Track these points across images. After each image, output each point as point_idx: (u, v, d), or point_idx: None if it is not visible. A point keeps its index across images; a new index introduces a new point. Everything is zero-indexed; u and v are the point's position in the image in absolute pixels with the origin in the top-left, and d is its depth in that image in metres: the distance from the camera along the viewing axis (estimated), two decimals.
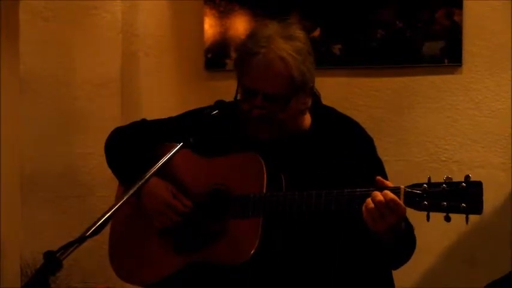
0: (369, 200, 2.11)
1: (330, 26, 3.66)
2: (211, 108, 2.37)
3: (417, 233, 2.32)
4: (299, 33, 2.35)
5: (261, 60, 2.28)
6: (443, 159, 3.57)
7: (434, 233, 3.45)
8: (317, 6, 3.67)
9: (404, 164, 3.59)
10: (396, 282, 2.46)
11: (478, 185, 2.06)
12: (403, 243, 2.24)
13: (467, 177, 2.07)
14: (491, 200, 3.48)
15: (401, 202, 2.09)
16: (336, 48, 3.66)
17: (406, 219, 2.23)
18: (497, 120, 3.54)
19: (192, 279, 2.37)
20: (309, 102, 2.39)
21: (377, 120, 3.62)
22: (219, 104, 2.37)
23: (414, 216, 2.27)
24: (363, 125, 2.49)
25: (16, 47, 3.71)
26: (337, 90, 3.64)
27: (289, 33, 2.33)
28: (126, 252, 2.51)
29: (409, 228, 2.28)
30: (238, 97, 2.37)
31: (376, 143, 2.51)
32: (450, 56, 3.56)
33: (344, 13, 3.65)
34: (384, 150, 3.47)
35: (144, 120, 2.63)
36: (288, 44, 2.30)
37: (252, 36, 2.36)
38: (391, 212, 2.09)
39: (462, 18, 3.54)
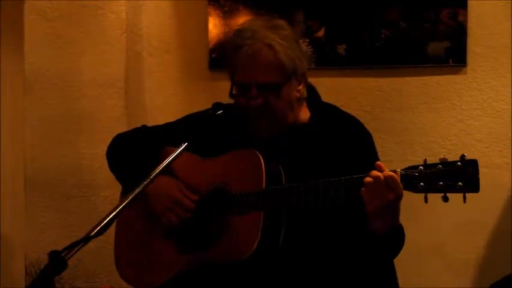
0: (367, 177, 2.11)
1: (335, 26, 3.66)
2: (211, 110, 2.38)
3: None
4: (282, 23, 2.39)
5: (248, 51, 2.31)
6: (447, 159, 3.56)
7: (436, 233, 3.45)
8: (322, 6, 3.67)
9: (408, 164, 3.56)
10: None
11: (474, 163, 2.03)
12: (394, 239, 2.23)
13: (462, 156, 2.05)
14: (495, 199, 3.48)
15: (399, 180, 2.08)
16: (341, 48, 3.66)
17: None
18: (502, 121, 3.54)
19: (197, 279, 2.37)
20: (303, 91, 2.40)
21: (381, 120, 3.62)
22: (218, 106, 2.38)
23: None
24: (367, 125, 2.49)
25: (21, 47, 3.71)
26: (342, 90, 3.64)
27: (272, 24, 2.36)
28: (131, 257, 2.52)
29: (399, 227, 2.26)
30: (234, 95, 2.39)
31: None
32: (455, 56, 3.56)
33: (349, 13, 3.65)
34: (388, 150, 3.49)
35: (144, 126, 2.65)
36: (274, 33, 2.33)
37: (236, 33, 2.39)
38: (388, 188, 2.08)
39: (467, 18, 3.54)
